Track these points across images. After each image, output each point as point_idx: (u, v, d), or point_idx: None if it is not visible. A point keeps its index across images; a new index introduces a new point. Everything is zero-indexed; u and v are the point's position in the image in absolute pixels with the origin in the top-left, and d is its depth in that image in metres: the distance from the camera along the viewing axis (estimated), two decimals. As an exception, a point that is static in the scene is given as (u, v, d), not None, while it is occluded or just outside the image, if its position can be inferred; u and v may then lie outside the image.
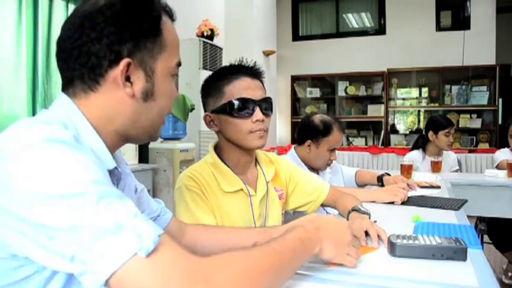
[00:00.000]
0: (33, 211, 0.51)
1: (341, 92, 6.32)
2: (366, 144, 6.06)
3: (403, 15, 6.06)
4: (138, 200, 0.87)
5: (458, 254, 0.86)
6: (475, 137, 5.63)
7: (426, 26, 5.96)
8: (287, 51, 6.58)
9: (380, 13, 6.27)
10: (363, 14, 6.46)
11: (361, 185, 2.13)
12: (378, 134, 6.12)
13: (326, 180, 1.68)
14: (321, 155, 1.89)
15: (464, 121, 5.69)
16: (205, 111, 1.24)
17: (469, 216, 1.47)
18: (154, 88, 0.69)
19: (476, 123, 5.67)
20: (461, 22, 5.78)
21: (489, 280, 0.77)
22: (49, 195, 0.51)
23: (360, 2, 6.42)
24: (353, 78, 6.28)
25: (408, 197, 1.58)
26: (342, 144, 4.16)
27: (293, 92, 6.51)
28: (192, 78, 3.87)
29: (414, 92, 6.15)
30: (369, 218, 1.15)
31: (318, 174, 1.92)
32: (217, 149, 1.26)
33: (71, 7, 2.89)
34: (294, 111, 6.49)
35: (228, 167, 1.22)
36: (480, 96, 5.63)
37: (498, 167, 2.73)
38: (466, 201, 1.57)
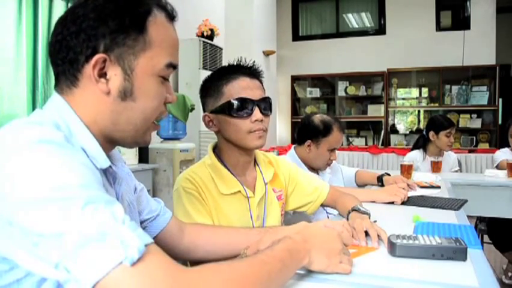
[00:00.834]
0: (20, 216, 0.50)
1: (341, 92, 6.32)
2: (366, 144, 6.05)
3: (403, 15, 6.06)
4: (137, 199, 0.87)
5: (458, 254, 0.86)
6: (475, 137, 5.63)
7: (426, 26, 5.96)
8: (287, 51, 6.58)
9: (380, 13, 6.27)
10: (363, 14, 6.46)
11: (361, 185, 2.13)
12: (378, 134, 6.12)
13: (325, 180, 1.68)
14: (321, 155, 1.88)
15: (464, 121, 5.69)
16: (204, 111, 1.24)
17: (469, 216, 1.46)
18: (134, 87, 0.66)
19: (476, 123, 5.67)
20: (461, 22, 5.78)
21: (489, 280, 0.77)
22: (35, 200, 0.50)
23: (360, 2, 6.42)
24: (353, 78, 6.28)
25: (408, 197, 1.58)
26: (342, 144, 4.15)
27: (293, 92, 6.51)
28: (192, 78, 3.87)
29: (414, 92, 6.15)
30: (369, 218, 1.15)
31: (318, 174, 1.92)
32: (216, 149, 1.26)
33: (71, 7, 2.89)
34: (294, 111, 6.49)
35: (227, 168, 1.22)
36: (480, 96, 5.63)
37: (498, 167, 2.73)
38: (466, 201, 1.57)
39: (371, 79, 6.20)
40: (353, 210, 1.20)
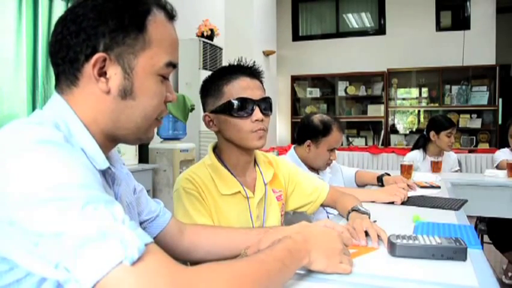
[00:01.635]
0: (20, 216, 0.50)
1: (341, 92, 6.32)
2: (366, 144, 6.05)
3: (403, 15, 6.06)
4: (137, 200, 0.87)
5: (458, 254, 0.86)
6: (475, 137, 5.63)
7: (426, 26, 5.96)
8: (287, 51, 6.58)
9: (380, 13, 6.27)
10: (363, 14, 6.46)
11: (361, 185, 2.13)
12: (378, 134, 6.12)
13: (325, 181, 1.68)
14: (320, 155, 1.88)
15: (464, 121, 5.69)
16: (204, 111, 1.24)
17: (469, 216, 1.46)
18: (134, 86, 0.66)
19: (476, 123, 5.66)
20: (461, 22, 5.78)
21: (489, 280, 0.77)
22: (35, 200, 0.50)
23: (360, 2, 6.42)
24: (353, 78, 6.28)
25: (408, 197, 1.58)
26: (342, 144, 4.15)
27: (293, 92, 6.51)
28: (192, 78, 3.87)
29: (414, 92, 6.15)
30: (369, 218, 1.15)
31: (318, 174, 1.92)
32: (216, 149, 1.26)
33: (71, 7, 2.89)
34: (294, 111, 6.49)
35: (227, 168, 1.22)
36: (480, 96, 5.63)
37: (498, 167, 2.73)
38: (466, 201, 1.57)
39: (371, 79, 6.20)
40: (353, 210, 1.21)
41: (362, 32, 6.43)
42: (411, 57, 5.91)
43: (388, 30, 6.20)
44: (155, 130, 0.77)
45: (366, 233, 1.02)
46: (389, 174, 2.00)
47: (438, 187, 1.94)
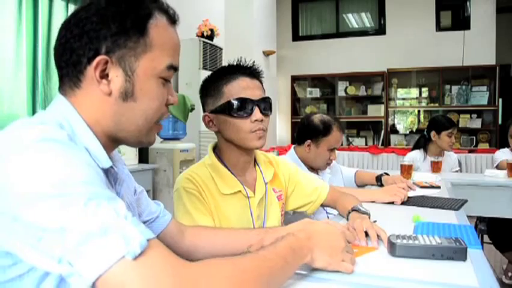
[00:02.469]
0: (24, 211, 0.51)
1: (341, 92, 6.32)
2: (366, 145, 6.05)
3: (403, 15, 6.06)
4: (137, 201, 0.88)
5: (458, 254, 0.86)
6: (475, 137, 5.63)
7: (426, 26, 5.96)
8: (287, 51, 6.58)
9: (380, 13, 6.27)
10: (363, 14, 6.46)
11: (360, 186, 2.13)
12: (378, 134, 6.12)
13: (325, 181, 1.68)
14: (321, 155, 1.88)
15: (464, 121, 5.69)
16: (204, 111, 1.24)
17: (469, 216, 1.46)
18: (135, 88, 0.67)
19: (476, 123, 5.66)
20: (461, 22, 5.78)
21: (489, 280, 0.77)
22: (39, 195, 0.51)
23: (360, 2, 6.42)
24: (353, 78, 6.28)
25: (408, 197, 1.58)
26: (342, 144, 4.14)
27: (293, 92, 6.51)
28: (192, 78, 3.87)
29: (414, 92, 6.15)
30: (369, 218, 1.15)
31: (317, 174, 1.92)
32: (216, 149, 1.26)
33: (71, 7, 2.89)
34: (294, 111, 6.49)
35: (227, 168, 1.22)
36: (480, 96, 5.63)
37: (498, 167, 2.73)
38: (466, 201, 1.57)
39: (371, 79, 6.20)
40: (353, 210, 1.21)
41: (362, 32, 6.43)
42: (411, 57, 5.91)
43: (388, 30, 6.20)
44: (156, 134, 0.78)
45: (366, 233, 1.02)
46: (388, 174, 2.00)
47: (438, 187, 1.94)
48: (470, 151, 4.97)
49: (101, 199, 0.53)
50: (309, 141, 1.88)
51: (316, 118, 1.91)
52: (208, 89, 1.20)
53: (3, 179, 0.52)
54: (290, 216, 1.56)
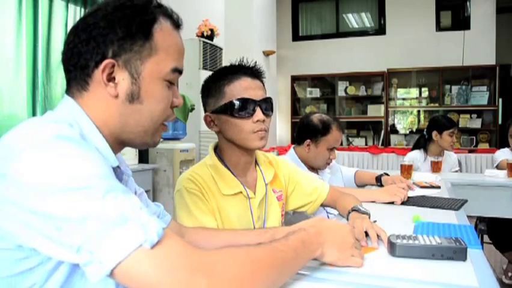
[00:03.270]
0: (44, 203, 0.53)
1: (341, 92, 6.31)
2: (366, 145, 6.05)
3: (403, 15, 6.06)
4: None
5: (458, 254, 0.86)
6: (475, 137, 5.63)
7: (426, 26, 5.96)
8: (287, 51, 6.58)
9: (380, 13, 6.27)
10: (363, 14, 6.46)
11: (360, 186, 2.13)
12: (378, 134, 6.12)
13: (325, 180, 1.68)
14: (320, 154, 1.89)
15: (464, 121, 5.69)
16: (205, 111, 1.24)
17: (469, 216, 1.47)
18: (141, 91, 0.69)
19: (476, 123, 5.66)
20: (461, 22, 5.78)
21: (489, 280, 0.77)
22: (59, 188, 0.53)
23: (360, 2, 6.42)
24: (353, 78, 6.28)
25: (408, 197, 1.58)
26: (342, 144, 4.16)
27: (293, 92, 6.51)
28: (192, 78, 3.86)
29: (414, 92, 6.15)
30: (369, 218, 1.15)
31: (317, 174, 1.92)
32: (217, 149, 1.26)
33: (71, 7, 2.89)
34: (294, 111, 6.49)
35: (228, 168, 1.22)
36: (480, 96, 5.63)
37: (498, 167, 2.73)
38: (466, 201, 1.57)
39: (371, 79, 6.19)
40: (353, 210, 1.21)
41: (362, 32, 6.43)
42: (411, 57, 5.91)
43: (388, 30, 6.20)
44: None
45: (366, 233, 1.02)
46: (388, 174, 2.00)
47: (438, 187, 1.94)
48: (470, 151, 4.97)
49: (118, 191, 0.56)
50: (308, 141, 1.88)
51: (316, 118, 1.91)
52: (210, 89, 1.20)
53: (20, 173, 0.54)
54: (290, 217, 1.56)
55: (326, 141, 1.87)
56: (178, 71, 0.73)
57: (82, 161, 0.56)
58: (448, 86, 5.81)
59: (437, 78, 5.83)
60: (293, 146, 2.00)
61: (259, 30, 5.31)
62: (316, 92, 6.50)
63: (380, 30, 6.28)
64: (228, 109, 1.14)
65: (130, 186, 0.83)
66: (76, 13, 2.94)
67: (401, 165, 2.34)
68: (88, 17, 0.69)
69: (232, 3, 5.15)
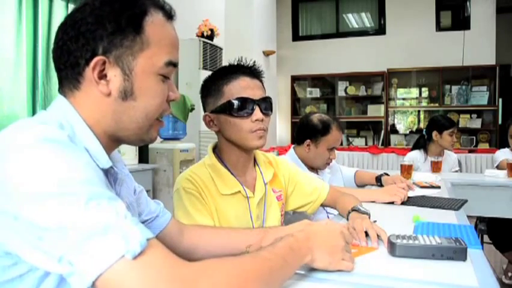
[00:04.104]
0: (25, 210, 0.51)
1: (341, 92, 6.31)
2: (366, 145, 6.05)
3: (403, 15, 6.06)
4: (137, 200, 0.88)
5: (458, 254, 0.86)
6: (475, 137, 5.63)
7: (426, 26, 5.96)
8: (287, 51, 6.58)
9: (380, 13, 6.27)
10: (363, 14, 6.46)
11: (360, 186, 2.13)
12: (378, 134, 6.12)
13: (325, 181, 1.68)
14: (320, 154, 1.88)
15: (464, 121, 5.69)
16: (204, 111, 1.24)
17: (469, 216, 1.46)
18: (134, 87, 0.67)
19: (476, 123, 5.67)
20: (461, 22, 5.78)
21: (489, 280, 0.77)
22: (39, 195, 0.51)
23: (360, 2, 6.42)
24: (353, 78, 6.28)
25: (408, 197, 1.58)
26: (342, 144, 4.15)
27: (293, 92, 6.51)
28: (192, 78, 3.87)
29: (414, 92, 6.15)
30: (369, 218, 1.15)
31: (317, 174, 1.92)
32: (216, 149, 1.26)
33: (71, 7, 2.89)
34: (294, 111, 6.49)
35: (227, 167, 1.22)
36: (480, 96, 5.63)
37: (498, 167, 2.73)
38: (466, 201, 1.57)
39: (371, 79, 6.19)
40: (353, 210, 1.21)
41: (362, 32, 6.43)
42: (411, 57, 5.91)
43: (388, 30, 6.20)
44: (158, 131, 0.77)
45: (366, 233, 1.02)
46: (388, 174, 2.00)
47: (438, 187, 1.94)
48: (470, 151, 4.97)
49: (102, 199, 0.53)
50: (308, 141, 1.88)
51: (315, 118, 1.91)
52: (209, 88, 1.20)
53: (4, 178, 0.52)
54: (290, 216, 1.56)
55: (325, 141, 1.87)
56: (173, 64, 0.70)
57: (65, 166, 0.54)
58: (447, 86, 5.81)
59: (437, 78, 5.83)
60: (293, 146, 2.00)
61: (259, 30, 5.31)
62: (316, 92, 6.50)
63: (380, 30, 6.28)
64: (227, 108, 1.14)
65: (126, 186, 0.81)
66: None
67: (401, 165, 2.34)
68: (76, 13, 0.66)
69: (232, 3, 5.15)
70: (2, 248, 0.55)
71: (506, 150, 2.85)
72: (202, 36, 4.06)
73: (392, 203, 1.53)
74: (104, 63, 0.65)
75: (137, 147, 3.12)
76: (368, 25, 6.45)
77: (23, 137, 0.55)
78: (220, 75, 1.19)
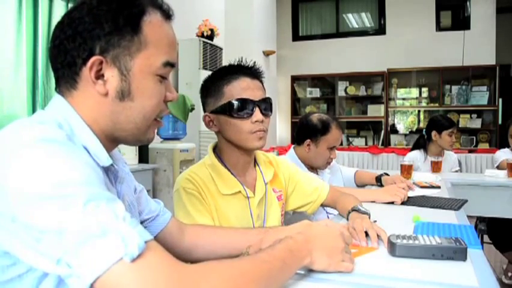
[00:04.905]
0: (22, 212, 0.51)
1: (341, 92, 6.31)
2: (366, 145, 6.05)
3: (403, 15, 6.06)
4: (137, 199, 0.88)
5: (458, 254, 0.86)
6: (475, 137, 5.63)
7: (426, 26, 5.96)
8: (287, 51, 6.58)
9: (380, 13, 6.27)
10: (363, 14, 6.46)
11: (360, 186, 2.13)
12: (378, 134, 6.12)
13: (325, 180, 1.68)
14: (320, 154, 1.88)
15: (464, 121, 5.69)
16: (204, 111, 1.24)
17: (469, 216, 1.46)
18: (131, 87, 0.66)
19: (476, 123, 5.67)
20: (461, 22, 5.78)
21: (489, 280, 0.77)
22: (37, 197, 0.51)
23: (360, 2, 6.42)
24: (353, 78, 6.28)
25: (408, 197, 1.58)
26: (342, 144, 4.15)
27: (293, 92, 6.51)
28: (192, 78, 3.86)
29: (414, 92, 6.15)
30: (369, 218, 1.15)
31: (317, 174, 1.92)
32: (217, 149, 1.26)
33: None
34: (294, 111, 6.49)
35: (227, 168, 1.22)
36: (480, 96, 5.63)
37: (499, 167, 2.73)
38: (466, 201, 1.57)
39: (371, 79, 6.19)
40: (353, 210, 1.21)
41: (362, 32, 6.43)
42: (411, 57, 5.91)
43: (388, 30, 6.20)
44: (155, 131, 0.77)
45: (366, 233, 1.02)
46: (388, 174, 2.00)
47: (438, 187, 1.94)
48: (470, 151, 4.97)
49: (100, 200, 0.53)
50: (308, 140, 1.88)
51: (315, 117, 1.91)
52: (209, 89, 1.20)
53: (2, 179, 0.52)
54: (290, 216, 1.56)
55: (325, 141, 1.87)
56: (170, 65, 0.70)
57: (64, 167, 0.53)
58: (447, 86, 5.81)
59: (437, 78, 5.83)
60: (293, 146, 2.00)
61: (259, 30, 5.31)
62: (316, 92, 6.50)
63: (380, 30, 6.28)
64: (227, 109, 1.14)
65: (127, 184, 0.81)
66: (76, 13, 2.93)
67: (401, 165, 2.34)
68: (73, 12, 0.66)
69: (232, 3, 5.15)
70: (1, 248, 0.55)
71: (507, 150, 2.85)
72: (202, 36, 4.06)
73: (392, 203, 1.53)
74: (101, 63, 0.64)
75: (137, 147, 3.12)
76: (368, 25, 6.45)
77: (21, 137, 0.55)
78: (220, 76, 1.19)
